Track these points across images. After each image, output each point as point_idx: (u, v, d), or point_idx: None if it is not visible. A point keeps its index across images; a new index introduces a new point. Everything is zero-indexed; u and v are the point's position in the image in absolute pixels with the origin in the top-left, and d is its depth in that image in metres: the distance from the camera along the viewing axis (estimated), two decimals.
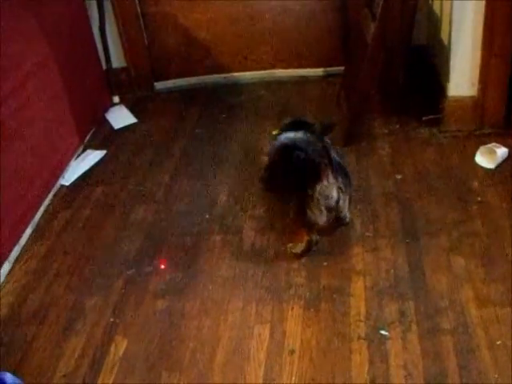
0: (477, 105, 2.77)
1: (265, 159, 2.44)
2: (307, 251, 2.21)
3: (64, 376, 1.90)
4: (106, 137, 3.18)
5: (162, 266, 2.27)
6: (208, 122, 3.19)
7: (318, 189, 2.09)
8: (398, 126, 2.96)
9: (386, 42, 2.77)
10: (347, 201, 2.23)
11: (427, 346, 1.84)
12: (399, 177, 2.60)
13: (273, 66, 3.51)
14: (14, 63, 2.43)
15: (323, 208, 2.12)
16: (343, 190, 2.17)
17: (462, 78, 2.74)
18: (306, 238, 2.20)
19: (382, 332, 1.89)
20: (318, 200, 2.09)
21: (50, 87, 2.75)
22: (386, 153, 2.78)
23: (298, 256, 2.21)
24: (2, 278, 2.30)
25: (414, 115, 2.99)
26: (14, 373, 1.81)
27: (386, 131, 2.93)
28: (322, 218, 2.14)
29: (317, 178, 2.09)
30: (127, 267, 2.29)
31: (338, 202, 2.15)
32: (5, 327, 2.10)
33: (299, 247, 2.22)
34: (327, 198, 2.11)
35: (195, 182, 2.74)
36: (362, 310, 1.98)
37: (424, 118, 2.95)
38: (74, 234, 2.51)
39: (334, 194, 2.13)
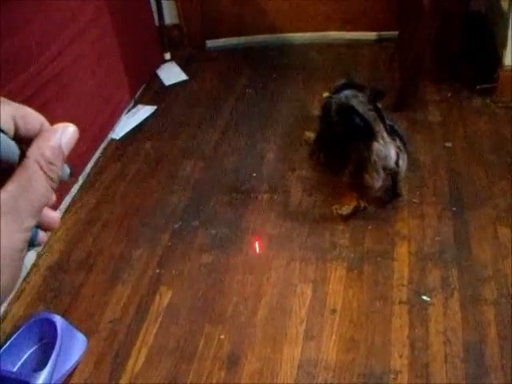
0: None
1: (314, 124, 2.44)
2: (352, 215, 2.22)
3: (110, 322, 1.96)
4: (156, 93, 3.20)
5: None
6: (258, 82, 3.18)
7: (375, 150, 2.08)
8: (450, 94, 2.91)
9: (443, 6, 2.71)
10: (406, 161, 2.19)
11: (468, 314, 1.84)
12: (449, 145, 2.57)
13: (325, 28, 3.47)
14: (69, 18, 2.45)
15: (381, 170, 2.10)
16: (401, 149, 2.16)
17: None
18: (354, 202, 2.21)
19: (424, 297, 1.90)
20: (375, 162, 2.08)
21: (102, 42, 2.77)
22: (437, 120, 2.74)
23: (343, 218, 2.23)
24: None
25: (467, 83, 2.94)
26: (63, 316, 1.88)
27: (438, 98, 2.89)
28: (378, 182, 2.12)
29: (372, 138, 2.08)
30: (174, 221, 2.33)
31: (397, 162, 2.14)
32: (54, 273, 2.17)
33: (345, 209, 2.23)
34: (385, 158, 2.10)
35: (244, 141, 2.75)
36: (405, 274, 1.99)
37: (478, 87, 2.89)
38: (123, 187, 2.56)
39: (393, 153, 2.11)
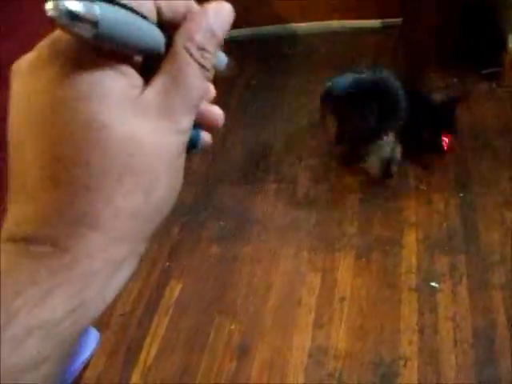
0: None
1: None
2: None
3: (121, 315, 1.98)
4: None
5: None
6: (263, 73, 3.18)
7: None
8: (455, 80, 2.90)
9: None
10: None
11: (477, 299, 1.85)
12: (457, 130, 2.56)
13: (329, 17, 3.46)
14: None
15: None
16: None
17: None
18: None
19: (433, 284, 1.91)
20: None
21: None
22: None
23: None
24: None
25: (472, 68, 2.92)
26: None
27: (443, 84, 2.88)
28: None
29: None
30: (183, 214, 2.34)
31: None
32: None
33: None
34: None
35: (251, 132, 2.75)
36: (414, 261, 1.99)
37: (483, 72, 2.88)
38: None
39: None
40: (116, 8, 0.33)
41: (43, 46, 0.37)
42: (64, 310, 0.32)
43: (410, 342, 1.75)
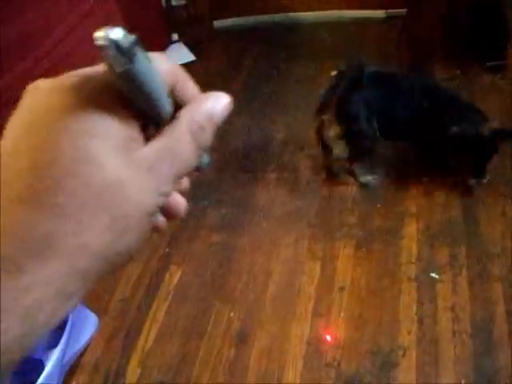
0: None
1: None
2: None
3: (121, 301, 1.99)
4: None
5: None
6: (266, 62, 3.18)
7: None
8: (459, 72, 2.89)
9: None
10: None
11: (476, 290, 1.85)
12: None
13: (334, 7, 3.45)
14: (75, 1, 2.45)
15: None
16: None
17: None
18: None
19: (432, 275, 1.91)
20: None
21: (109, 23, 2.76)
22: None
23: None
24: None
25: (476, 61, 2.91)
26: None
27: (447, 76, 2.87)
28: None
29: None
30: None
31: None
32: None
33: None
34: None
35: (253, 121, 2.75)
36: (414, 252, 1.99)
37: (487, 64, 2.87)
38: None
39: None
40: (148, 60, 0.38)
41: (71, 74, 0.40)
42: (12, 335, 0.33)
43: (409, 332, 1.75)
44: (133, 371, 1.78)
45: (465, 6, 2.95)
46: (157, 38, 3.37)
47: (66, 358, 1.76)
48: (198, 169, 0.45)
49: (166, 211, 0.46)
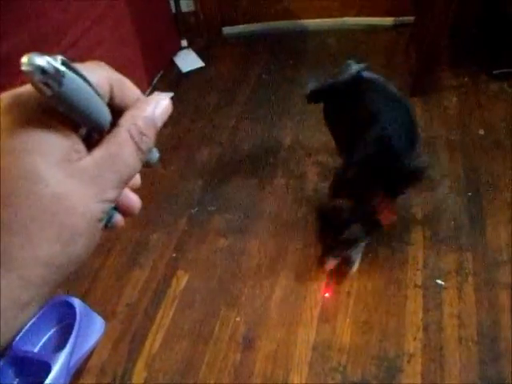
0: None
1: None
2: None
3: (127, 305, 2.00)
4: (173, 80, 3.22)
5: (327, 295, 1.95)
6: (275, 68, 3.19)
7: None
8: (466, 79, 2.90)
9: None
10: None
11: (482, 298, 1.85)
12: (465, 130, 2.56)
13: (342, 14, 3.46)
14: (86, 5, 2.47)
15: None
16: None
17: None
18: None
19: (438, 281, 1.91)
20: None
21: (119, 29, 2.79)
22: (453, 105, 2.73)
23: None
24: None
25: (484, 68, 2.91)
26: (82, 299, 1.91)
27: (455, 83, 2.87)
28: None
29: None
30: (191, 206, 2.35)
31: None
32: None
33: None
34: None
35: (260, 126, 2.76)
36: (420, 258, 1.99)
37: (495, 72, 2.87)
38: (141, 173, 2.56)
39: None
40: (78, 78, 0.39)
41: (6, 96, 0.40)
42: None
43: (415, 338, 1.76)
44: (139, 375, 1.79)
45: (472, 14, 2.96)
46: (166, 44, 3.39)
47: (73, 360, 1.77)
48: (148, 165, 0.48)
49: (121, 210, 0.49)
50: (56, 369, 1.69)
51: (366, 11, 3.44)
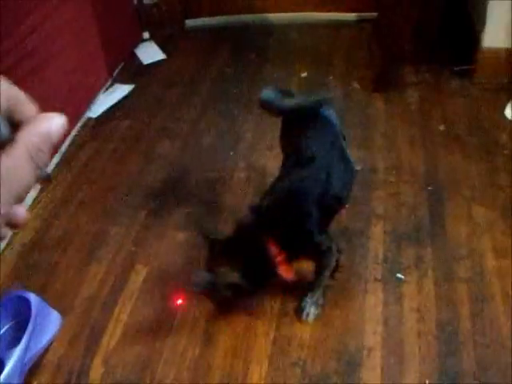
0: None
1: None
2: None
3: (85, 299, 1.96)
4: (134, 72, 3.18)
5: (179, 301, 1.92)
6: (237, 62, 3.18)
7: None
8: (428, 75, 2.92)
9: None
10: None
11: (442, 292, 1.86)
12: (426, 125, 2.58)
13: (305, 9, 3.46)
14: None
15: None
16: None
17: (499, 28, 2.68)
18: None
19: (398, 275, 1.92)
20: None
21: (79, 19, 2.74)
22: (415, 101, 2.75)
23: None
24: (29, 204, 2.34)
25: (445, 65, 2.94)
26: (38, 294, 1.86)
27: (417, 80, 2.90)
28: None
29: None
30: (151, 199, 2.32)
31: None
32: (30, 251, 2.16)
33: None
34: None
35: (221, 120, 2.74)
36: (380, 253, 2.00)
37: (456, 69, 2.90)
38: (100, 165, 2.55)
39: None
40: None
41: None
42: None
43: (375, 332, 1.76)
44: (96, 371, 1.75)
45: (435, 12, 2.98)
46: (128, 36, 3.34)
47: (28, 357, 1.73)
48: (38, 180, 0.48)
49: (8, 221, 0.48)
50: (10, 366, 1.65)
51: (329, 7, 3.44)
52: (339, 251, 1.80)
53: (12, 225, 0.49)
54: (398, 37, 2.83)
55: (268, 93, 1.96)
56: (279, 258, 1.68)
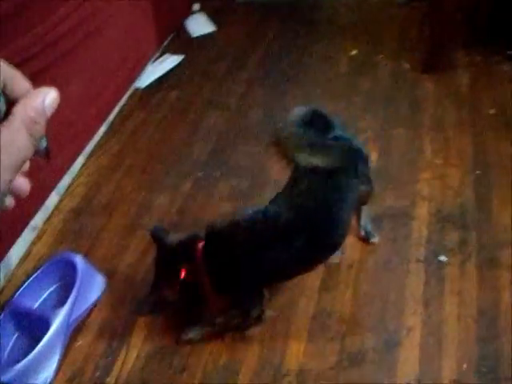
0: None
1: None
2: None
3: (129, 266, 1.99)
4: (184, 43, 3.19)
5: None
6: (286, 37, 3.16)
7: None
8: (479, 58, 2.86)
9: None
10: None
11: (484, 276, 1.84)
12: (476, 109, 2.54)
13: None
14: None
15: None
16: None
17: None
18: None
19: (441, 258, 1.91)
20: None
21: None
22: (465, 84, 2.70)
23: None
24: (76, 171, 2.38)
25: (497, 49, 2.88)
26: (84, 257, 1.91)
27: (467, 63, 2.85)
28: None
29: None
30: (196, 170, 2.34)
31: None
32: (77, 216, 2.20)
33: None
34: None
35: (270, 93, 2.74)
36: (424, 234, 1.99)
37: (508, 52, 2.84)
38: (147, 135, 2.57)
39: None
40: None
41: None
42: None
43: (414, 313, 1.76)
44: (138, 334, 1.79)
45: None
46: (178, 7, 3.35)
47: (73, 317, 1.77)
48: (37, 153, 0.52)
49: (13, 192, 0.53)
50: (55, 325, 1.70)
51: None
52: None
53: (15, 193, 0.54)
54: (451, 18, 2.78)
55: (300, 110, 1.87)
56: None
